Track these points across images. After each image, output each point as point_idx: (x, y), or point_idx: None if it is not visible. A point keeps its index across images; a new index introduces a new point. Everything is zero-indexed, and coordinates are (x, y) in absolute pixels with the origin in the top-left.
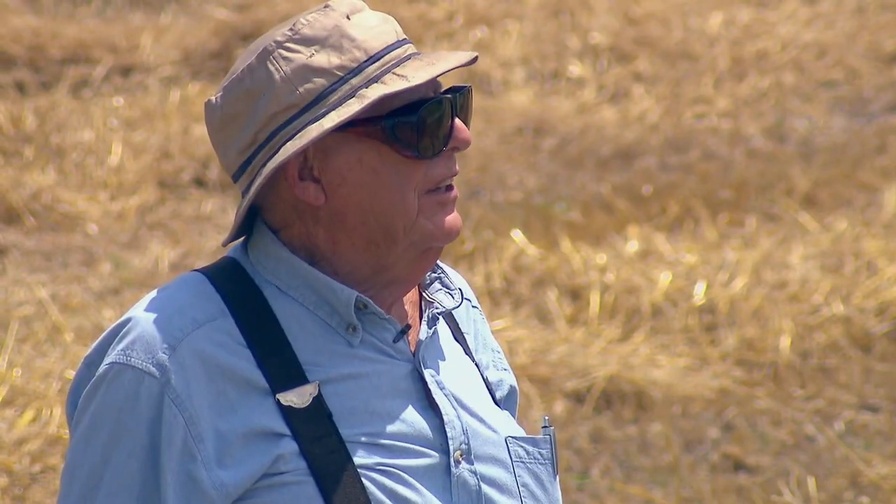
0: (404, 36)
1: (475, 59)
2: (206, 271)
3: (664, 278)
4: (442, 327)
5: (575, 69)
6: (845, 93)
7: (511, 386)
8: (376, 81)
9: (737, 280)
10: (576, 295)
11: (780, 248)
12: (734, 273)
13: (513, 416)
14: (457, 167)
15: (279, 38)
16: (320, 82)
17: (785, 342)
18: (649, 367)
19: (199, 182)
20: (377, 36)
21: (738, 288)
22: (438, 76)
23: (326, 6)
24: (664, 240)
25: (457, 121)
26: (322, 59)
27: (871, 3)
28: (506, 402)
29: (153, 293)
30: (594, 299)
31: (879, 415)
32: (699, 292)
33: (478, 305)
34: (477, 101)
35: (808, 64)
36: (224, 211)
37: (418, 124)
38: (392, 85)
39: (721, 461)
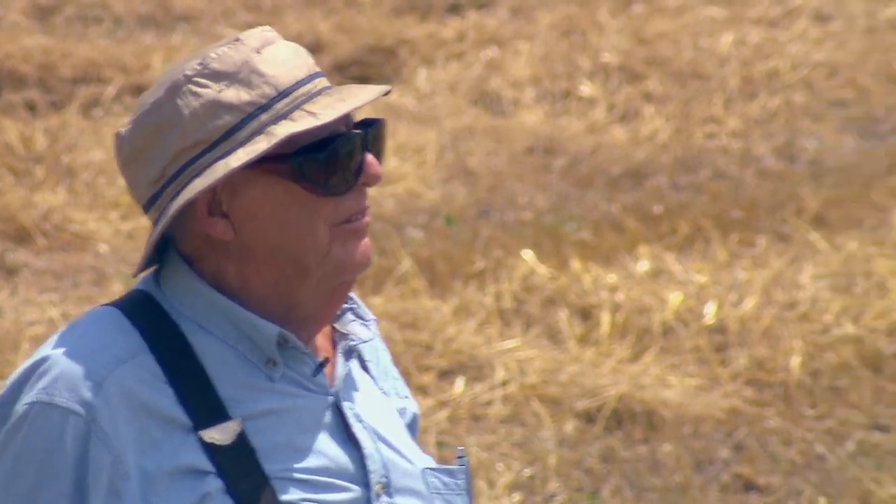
0: (317, 69)
1: (387, 93)
2: (119, 305)
3: (674, 298)
4: (354, 359)
5: (585, 89)
6: (856, 113)
7: (413, 413)
8: (285, 118)
9: (747, 300)
10: (586, 314)
11: (791, 267)
12: (744, 293)
13: (417, 442)
14: (367, 201)
15: (188, 73)
16: (229, 119)
17: (795, 362)
18: (660, 387)
19: None
20: (288, 71)
21: (749, 308)
22: (347, 113)
23: (237, 39)
24: (674, 259)
25: (368, 156)
26: (231, 94)
27: (882, 22)
28: (411, 430)
29: (65, 329)
30: (604, 319)
31: (890, 435)
32: (709, 312)
33: (378, 334)
34: (487, 120)
35: (819, 83)
36: None
37: (327, 162)
38: (300, 122)
39: (732, 481)
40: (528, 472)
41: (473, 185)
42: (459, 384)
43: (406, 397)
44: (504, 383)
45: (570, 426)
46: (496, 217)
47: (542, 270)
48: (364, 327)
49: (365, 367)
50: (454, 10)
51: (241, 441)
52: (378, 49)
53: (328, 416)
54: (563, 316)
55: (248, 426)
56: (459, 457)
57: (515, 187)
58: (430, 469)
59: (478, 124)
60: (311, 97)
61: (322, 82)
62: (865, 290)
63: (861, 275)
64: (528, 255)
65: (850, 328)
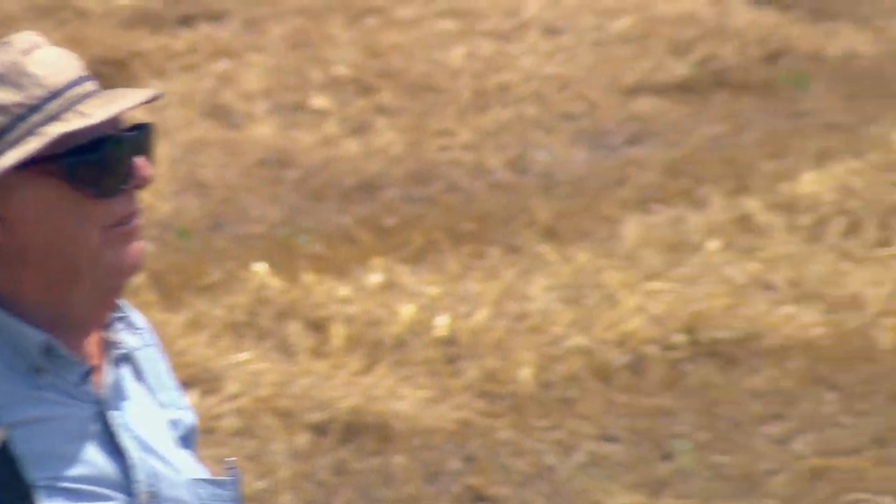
0: (86, 72)
1: (157, 97)
2: None
3: (407, 310)
4: (126, 368)
5: (318, 101)
6: (586, 125)
7: (190, 424)
8: (56, 119)
9: (479, 312)
10: (318, 327)
11: (522, 279)
12: (476, 305)
13: (194, 454)
14: (138, 205)
15: None
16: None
17: (526, 373)
18: (392, 399)
19: None
20: (58, 72)
21: (480, 320)
22: (119, 113)
23: (4, 42)
24: (407, 272)
25: (138, 159)
26: (0, 95)
27: (611, 36)
28: (187, 441)
29: None
30: (337, 331)
31: (619, 445)
32: (441, 324)
33: (156, 343)
34: (219, 133)
35: (550, 96)
36: None
37: (98, 163)
38: (72, 123)
39: (463, 492)
40: (260, 484)
41: (206, 197)
42: (192, 397)
43: (184, 408)
44: (236, 396)
45: (302, 439)
46: (229, 230)
47: (275, 283)
48: (135, 335)
49: (140, 377)
50: (186, 22)
51: (4, 450)
52: (110, 61)
53: (94, 425)
54: (295, 328)
55: (14, 434)
56: (229, 468)
57: (248, 200)
58: (199, 480)
59: (210, 137)
60: (82, 99)
61: (92, 85)
62: (595, 301)
63: (591, 286)
64: (260, 267)
65: (580, 340)
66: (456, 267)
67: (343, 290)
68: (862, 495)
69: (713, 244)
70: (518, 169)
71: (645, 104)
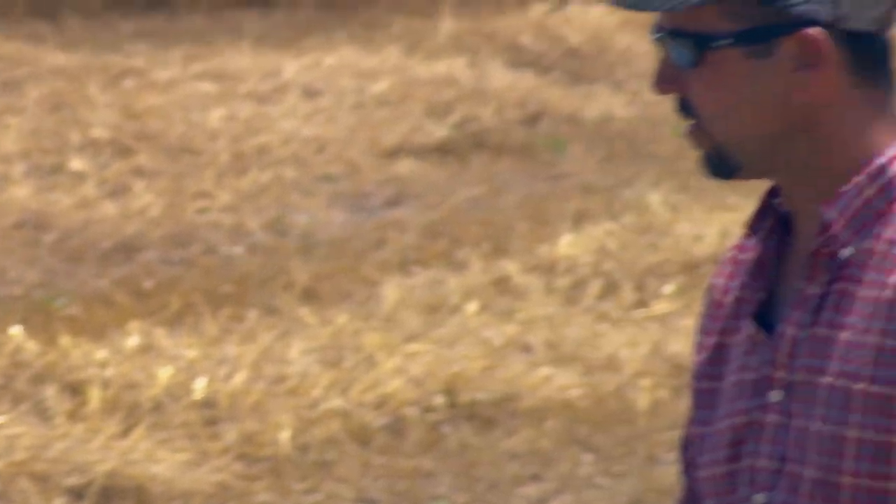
0: None
1: None
2: None
3: (164, 373)
4: None
5: (75, 164)
6: (345, 187)
7: None
8: None
9: (237, 375)
10: (75, 390)
11: (281, 342)
12: (234, 368)
13: None
14: None
15: None
16: None
17: (284, 436)
18: (149, 463)
19: None
20: None
21: (239, 382)
22: None
23: None
24: (165, 335)
25: None
26: None
27: (369, 98)
28: None
29: None
30: (94, 394)
31: None
32: (199, 387)
33: None
34: None
35: (309, 158)
36: None
37: None
38: None
39: None
40: None
41: None
42: None
43: None
44: None
45: (58, 503)
46: None
47: (31, 346)
48: None
49: None
50: None
51: None
52: None
53: None
54: (52, 392)
55: None
56: None
57: (5, 262)
58: None
59: None
60: None
61: None
62: (354, 364)
63: (350, 349)
64: (16, 330)
65: (338, 402)
66: (214, 329)
67: (100, 353)
68: None
69: (472, 306)
70: (277, 231)
71: (404, 166)
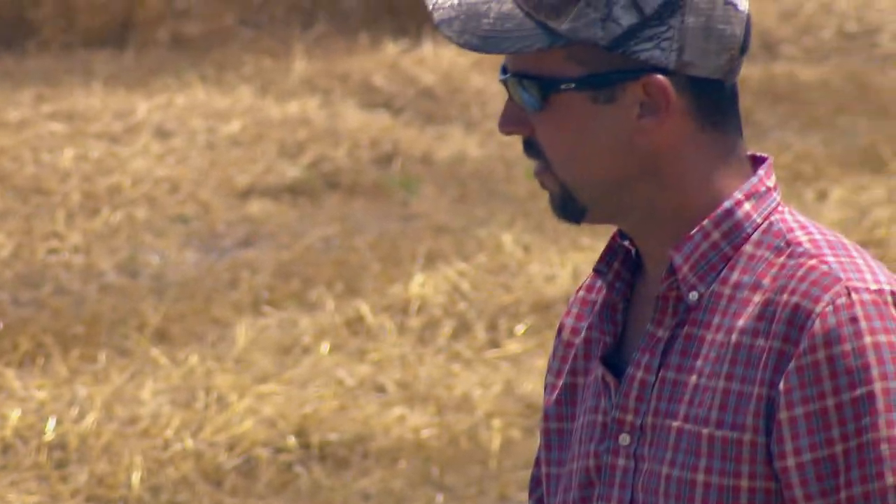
0: None
1: None
2: None
3: (14, 415)
4: None
5: None
6: (198, 228)
7: None
8: None
9: (88, 416)
10: None
11: (132, 383)
12: (86, 409)
13: None
14: None
15: None
16: None
17: (136, 478)
18: None
19: None
20: None
21: (89, 424)
22: None
23: None
24: (14, 376)
25: None
26: None
27: (222, 139)
28: None
29: None
30: None
31: None
32: (50, 429)
33: None
34: None
35: (161, 199)
36: None
37: None
38: None
39: None
40: None
41: None
42: None
43: None
44: None
45: None
46: None
47: None
48: None
49: None
50: None
51: None
52: None
53: None
54: None
55: None
56: None
57: None
58: None
59: None
60: None
61: None
62: (206, 404)
63: (202, 389)
64: None
65: (189, 443)
66: (65, 371)
67: None
68: None
69: (324, 346)
70: (129, 272)
71: (256, 206)
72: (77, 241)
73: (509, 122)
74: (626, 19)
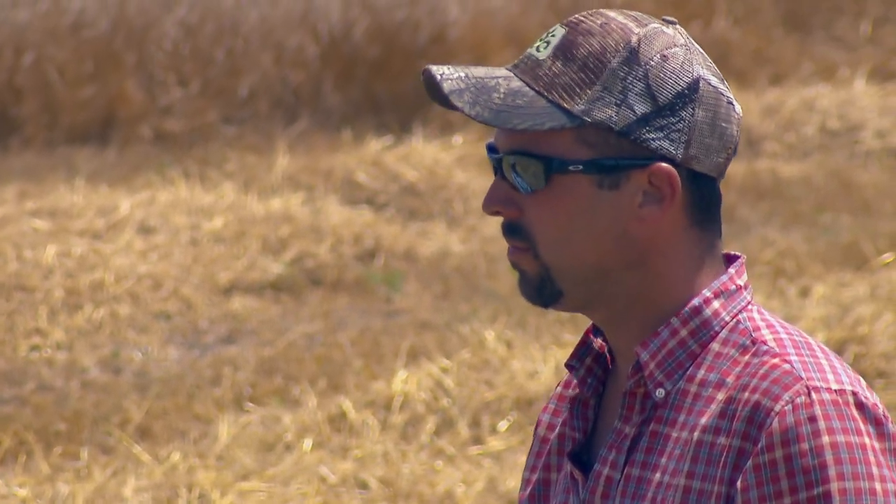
0: None
1: None
2: None
3: None
4: None
5: None
6: (180, 324)
7: None
8: None
9: None
10: None
11: (114, 480)
12: None
13: None
14: None
15: None
16: None
17: None
18: None
19: None
20: None
21: None
22: None
23: None
24: None
25: None
26: None
27: (204, 235)
28: None
29: None
30: None
31: None
32: None
33: None
34: None
35: (144, 295)
36: None
37: None
38: None
39: None
40: None
41: None
42: None
43: None
44: None
45: None
46: None
47: None
48: None
49: None
50: None
51: None
52: None
53: None
54: None
55: None
56: None
57: None
58: None
59: None
60: None
61: None
62: (188, 501)
63: (184, 487)
64: None
65: None
66: (47, 468)
67: None
68: None
69: (307, 443)
70: (111, 368)
71: (239, 303)
72: (59, 337)
73: (496, 201)
74: (641, 107)
